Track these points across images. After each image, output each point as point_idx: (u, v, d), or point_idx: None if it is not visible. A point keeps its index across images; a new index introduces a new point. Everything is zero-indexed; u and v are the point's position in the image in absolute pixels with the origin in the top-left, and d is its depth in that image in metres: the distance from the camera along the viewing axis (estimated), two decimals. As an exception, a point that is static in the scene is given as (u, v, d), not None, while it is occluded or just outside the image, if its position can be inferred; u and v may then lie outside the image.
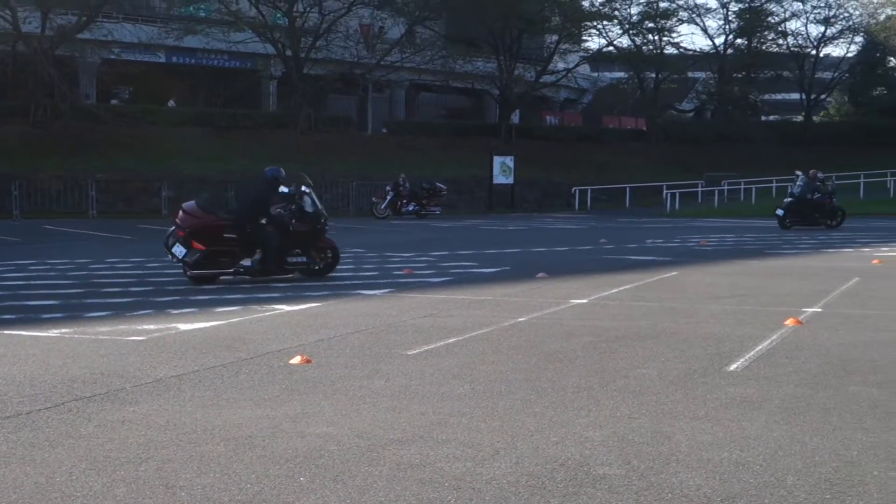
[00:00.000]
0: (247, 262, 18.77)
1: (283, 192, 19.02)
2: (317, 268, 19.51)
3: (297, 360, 10.44)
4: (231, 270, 18.67)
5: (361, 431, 7.59)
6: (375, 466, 6.71)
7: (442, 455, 6.97)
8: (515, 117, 69.03)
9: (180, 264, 18.48)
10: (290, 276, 19.29)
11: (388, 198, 46.73)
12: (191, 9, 60.50)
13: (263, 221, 18.77)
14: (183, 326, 12.96)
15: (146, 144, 50.85)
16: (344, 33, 58.75)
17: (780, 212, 37.03)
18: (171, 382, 9.43)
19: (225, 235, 18.46)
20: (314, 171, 49.64)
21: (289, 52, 57.58)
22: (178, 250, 18.15)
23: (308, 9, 57.09)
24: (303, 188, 19.42)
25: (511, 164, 56.12)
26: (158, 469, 6.65)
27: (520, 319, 13.55)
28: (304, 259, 19.31)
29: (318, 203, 19.59)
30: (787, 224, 36.50)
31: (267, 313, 14.30)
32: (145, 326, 12.94)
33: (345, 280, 18.88)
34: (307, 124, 57.37)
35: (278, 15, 58.08)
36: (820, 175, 36.95)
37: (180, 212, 18.71)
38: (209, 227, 18.44)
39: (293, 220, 19.15)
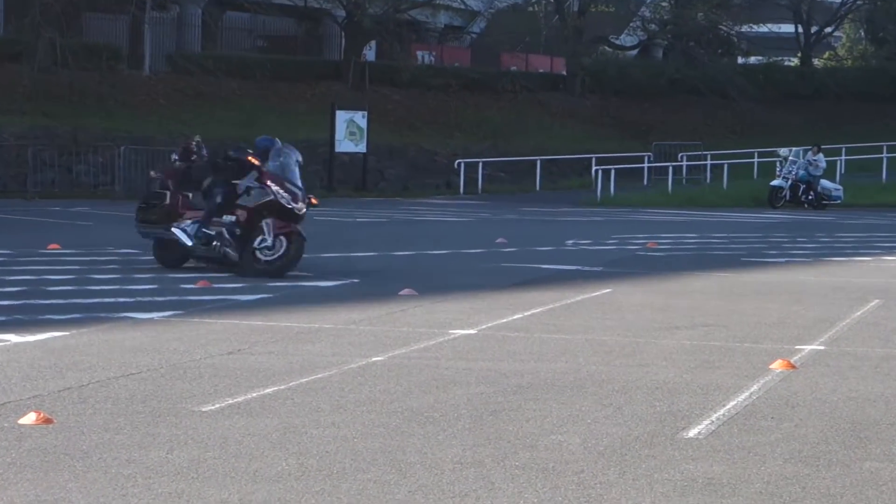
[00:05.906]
0: None
1: None
2: None
3: (30, 418, 10.26)
4: None
5: (128, 531, 7.50)
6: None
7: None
8: (370, 53, 69.02)
9: None
10: None
11: (176, 171, 46.36)
12: None
13: None
14: None
15: None
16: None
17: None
18: None
19: None
20: (63, 129, 49.47)
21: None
22: None
23: None
24: None
25: (363, 124, 56.10)
26: None
27: (375, 359, 13.54)
28: None
29: None
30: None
31: (-16, 347, 14.06)
32: None
33: (106, 296, 18.64)
34: (50, 58, 56.51)
35: None
36: None
37: None
38: None
39: None
